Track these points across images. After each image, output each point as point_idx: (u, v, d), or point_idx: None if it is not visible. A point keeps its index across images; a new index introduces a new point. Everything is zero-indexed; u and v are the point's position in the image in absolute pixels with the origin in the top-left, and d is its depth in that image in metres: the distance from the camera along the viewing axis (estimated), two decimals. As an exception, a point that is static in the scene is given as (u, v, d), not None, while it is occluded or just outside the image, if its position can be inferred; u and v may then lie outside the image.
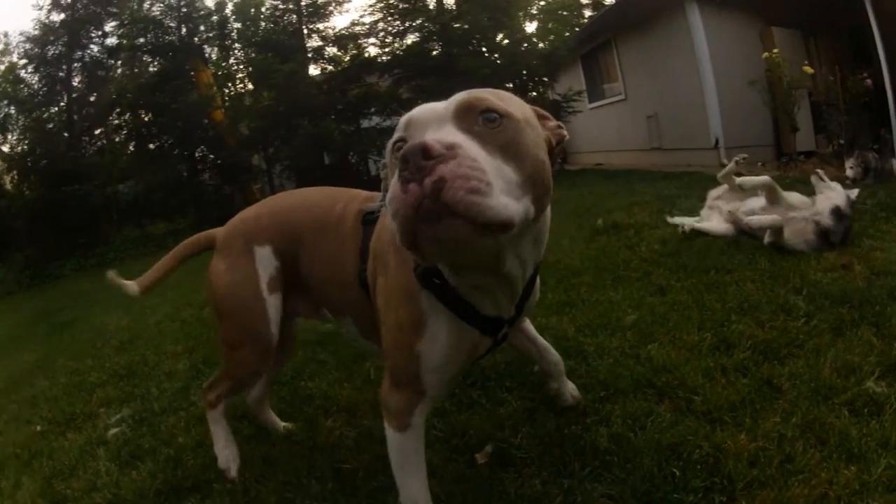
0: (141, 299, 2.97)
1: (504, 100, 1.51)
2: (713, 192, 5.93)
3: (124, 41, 19.26)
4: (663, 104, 14.49)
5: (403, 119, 1.51)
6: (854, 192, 5.06)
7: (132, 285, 2.78)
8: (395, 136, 1.51)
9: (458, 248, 1.35)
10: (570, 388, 2.86)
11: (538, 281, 2.07)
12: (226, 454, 2.71)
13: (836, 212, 4.77)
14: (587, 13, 34.88)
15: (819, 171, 5.24)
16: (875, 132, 10.42)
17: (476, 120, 1.40)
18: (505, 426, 2.80)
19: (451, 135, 1.34)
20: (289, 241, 2.39)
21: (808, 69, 10.47)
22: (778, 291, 3.92)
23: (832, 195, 4.92)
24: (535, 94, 19.09)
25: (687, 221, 5.64)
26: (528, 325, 2.68)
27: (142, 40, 18.95)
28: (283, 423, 3.09)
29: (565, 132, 1.71)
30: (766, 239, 4.93)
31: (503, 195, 1.28)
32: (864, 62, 10.69)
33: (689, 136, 13.45)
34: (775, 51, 10.63)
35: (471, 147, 1.31)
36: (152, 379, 4.37)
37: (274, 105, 18.38)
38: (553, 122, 1.70)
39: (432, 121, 1.43)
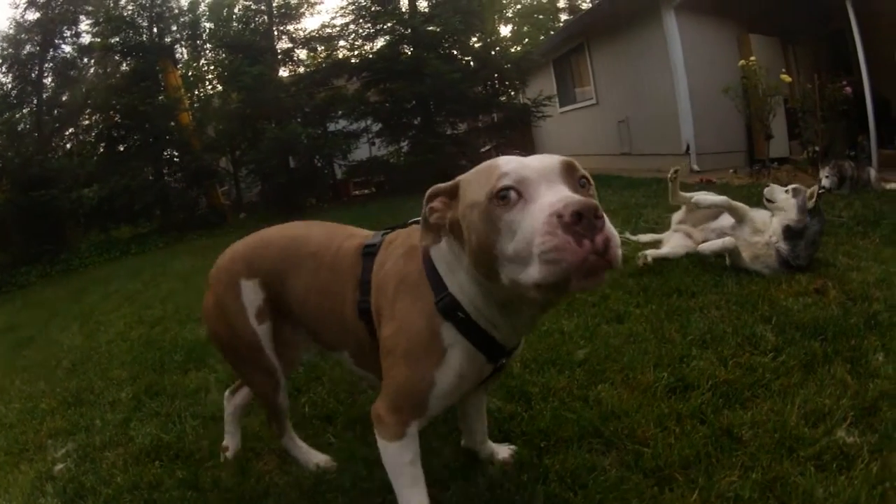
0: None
1: None
2: (676, 216, 5.65)
3: (98, 40, 18.92)
4: (635, 109, 14.46)
5: (511, 170, 1.58)
6: (807, 195, 4.60)
7: None
8: (502, 184, 1.55)
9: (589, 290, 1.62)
10: (503, 450, 2.70)
11: None
12: (314, 459, 2.82)
13: (788, 231, 4.48)
14: (563, 17, 35.13)
15: (766, 189, 4.89)
16: (852, 139, 10.44)
17: (577, 182, 1.60)
18: (434, 480, 2.47)
19: (567, 193, 1.50)
20: (277, 274, 2.42)
21: (786, 77, 10.35)
22: (745, 320, 3.66)
23: (783, 214, 4.61)
24: (504, 98, 19.10)
25: (650, 253, 5.25)
26: (485, 399, 2.65)
27: (115, 40, 18.49)
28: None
29: None
30: (727, 261, 4.72)
31: None
32: (843, 69, 10.66)
33: (660, 141, 13.44)
34: (752, 59, 10.47)
35: None
36: (97, 408, 4.17)
37: (241, 107, 18.16)
38: None
39: (543, 178, 1.55)
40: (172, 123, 18.27)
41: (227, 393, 3.01)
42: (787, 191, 4.64)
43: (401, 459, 1.96)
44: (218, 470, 2.92)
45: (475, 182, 1.66)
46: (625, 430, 2.64)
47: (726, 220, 5.01)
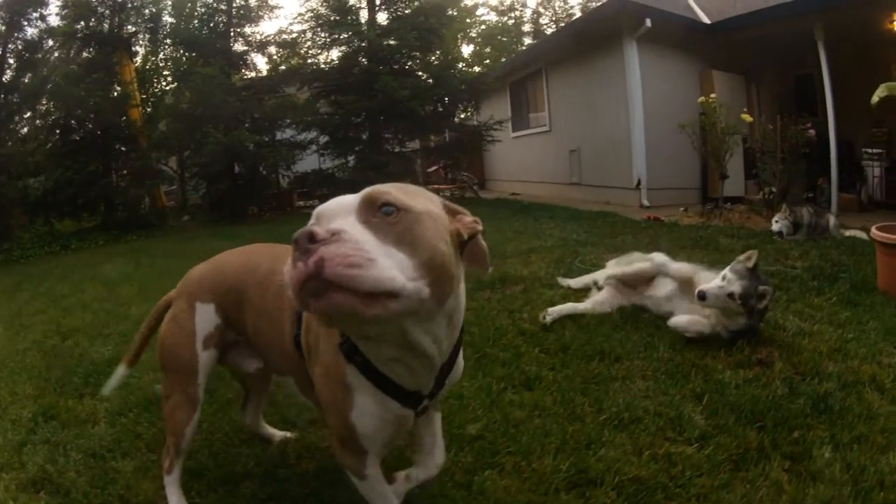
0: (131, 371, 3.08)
1: (409, 194, 1.65)
2: (609, 270, 5.14)
3: (63, 24, 18.45)
4: (588, 139, 14.45)
5: (316, 210, 1.65)
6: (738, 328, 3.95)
7: (121, 369, 2.98)
8: (309, 223, 1.59)
9: (345, 318, 1.51)
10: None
11: (461, 356, 2.13)
12: None
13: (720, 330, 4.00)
14: (527, 41, 35.38)
15: (699, 290, 4.07)
16: (812, 182, 10.51)
17: (375, 212, 1.54)
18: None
19: (345, 224, 1.51)
20: (232, 300, 2.52)
21: (747, 117, 10.27)
22: (672, 395, 3.22)
23: (715, 316, 4.02)
24: (457, 119, 19.15)
25: (554, 311, 4.64)
26: (438, 416, 2.54)
27: (80, 26, 18.09)
28: (279, 433, 3.30)
29: (480, 227, 1.81)
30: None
31: (392, 269, 1.43)
32: (808, 111, 10.74)
33: (611, 174, 13.48)
34: (712, 95, 10.42)
35: (358, 233, 1.47)
36: (1, 423, 3.99)
37: (191, 108, 17.78)
38: (468, 218, 1.80)
39: (339, 213, 1.58)
40: (123, 119, 18.04)
41: (242, 415, 3.18)
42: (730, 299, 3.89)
43: (372, 490, 2.11)
44: (288, 434, 3.11)
45: None
46: (506, 534, 2.23)
47: (661, 289, 4.55)
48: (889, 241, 4.89)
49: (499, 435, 2.97)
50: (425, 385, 1.96)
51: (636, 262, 4.76)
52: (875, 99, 5.28)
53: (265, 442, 3.22)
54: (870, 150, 10.90)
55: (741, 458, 2.60)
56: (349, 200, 1.61)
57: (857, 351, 3.67)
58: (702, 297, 3.88)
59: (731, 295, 3.80)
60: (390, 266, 1.44)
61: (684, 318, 4.10)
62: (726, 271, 3.94)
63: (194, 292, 2.59)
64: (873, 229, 5.08)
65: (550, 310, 4.60)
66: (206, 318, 2.54)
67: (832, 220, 7.73)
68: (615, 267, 5.06)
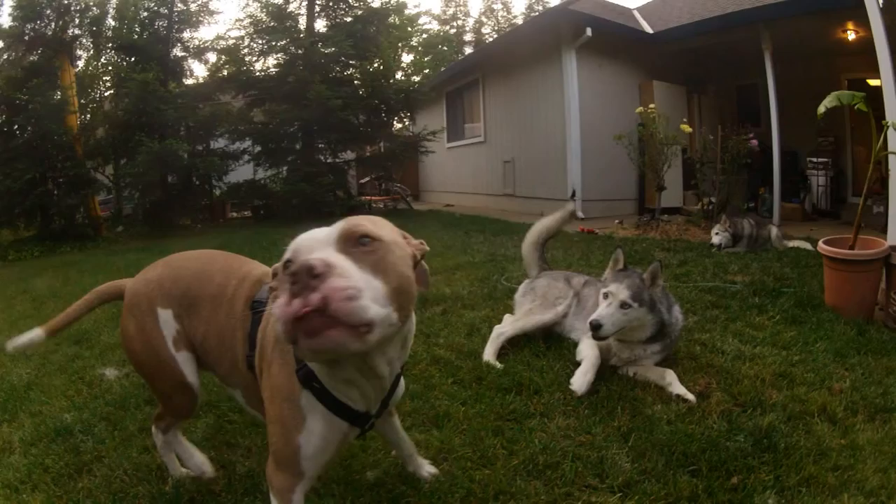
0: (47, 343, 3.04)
1: (377, 225, 1.79)
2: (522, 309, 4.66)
3: (16, 24, 17.93)
4: (523, 150, 14.52)
5: (292, 244, 1.72)
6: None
7: (37, 332, 2.81)
8: (285, 257, 1.68)
9: (333, 353, 1.63)
10: (425, 467, 2.77)
11: (401, 376, 2.25)
12: (196, 462, 2.94)
13: None
14: (468, 50, 35.52)
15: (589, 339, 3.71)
16: (753, 192, 10.77)
17: (354, 244, 1.66)
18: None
19: (330, 256, 1.59)
20: (186, 308, 2.55)
21: (686, 128, 10.18)
22: (595, 434, 2.89)
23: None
24: (393, 129, 19.07)
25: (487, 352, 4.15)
26: (396, 419, 2.73)
27: (28, 27, 17.73)
28: (182, 469, 3.10)
29: (426, 247, 1.97)
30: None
31: (371, 301, 1.54)
32: (751, 121, 10.82)
33: (546, 185, 13.53)
34: (651, 106, 10.38)
35: (344, 264, 1.58)
36: None
37: (127, 115, 17.38)
38: (416, 241, 1.94)
39: (317, 246, 1.66)
40: (62, 126, 17.45)
41: (155, 424, 2.94)
42: (625, 310, 3.55)
43: None
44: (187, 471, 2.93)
45: None
46: None
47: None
48: (837, 256, 4.69)
49: (399, 482, 2.67)
50: (374, 405, 2.07)
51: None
52: (822, 109, 5.11)
53: (160, 480, 2.96)
54: (815, 160, 11.13)
55: (670, 510, 2.28)
56: (325, 234, 1.71)
57: (804, 376, 3.42)
58: (596, 327, 3.47)
59: (623, 305, 3.47)
60: (371, 297, 1.54)
61: (639, 369, 3.67)
62: (603, 290, 3.61)
63: (154, 298, 2.60)
64: (820, 243, 4.88)
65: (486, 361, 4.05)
66: (168, 323, 2.55)
67: (774, 230, 7.69)
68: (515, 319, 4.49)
